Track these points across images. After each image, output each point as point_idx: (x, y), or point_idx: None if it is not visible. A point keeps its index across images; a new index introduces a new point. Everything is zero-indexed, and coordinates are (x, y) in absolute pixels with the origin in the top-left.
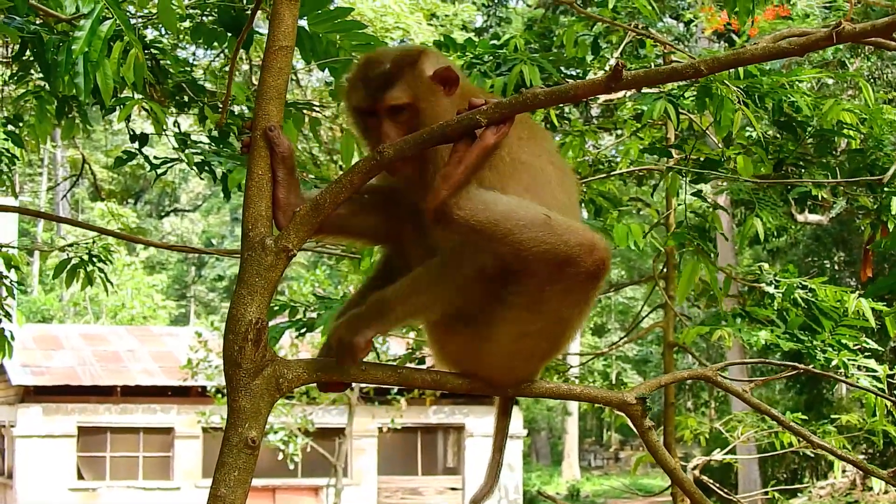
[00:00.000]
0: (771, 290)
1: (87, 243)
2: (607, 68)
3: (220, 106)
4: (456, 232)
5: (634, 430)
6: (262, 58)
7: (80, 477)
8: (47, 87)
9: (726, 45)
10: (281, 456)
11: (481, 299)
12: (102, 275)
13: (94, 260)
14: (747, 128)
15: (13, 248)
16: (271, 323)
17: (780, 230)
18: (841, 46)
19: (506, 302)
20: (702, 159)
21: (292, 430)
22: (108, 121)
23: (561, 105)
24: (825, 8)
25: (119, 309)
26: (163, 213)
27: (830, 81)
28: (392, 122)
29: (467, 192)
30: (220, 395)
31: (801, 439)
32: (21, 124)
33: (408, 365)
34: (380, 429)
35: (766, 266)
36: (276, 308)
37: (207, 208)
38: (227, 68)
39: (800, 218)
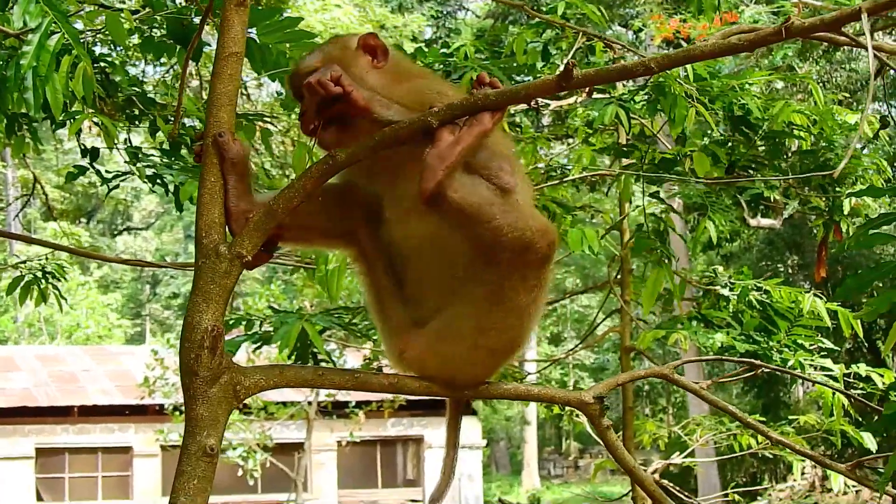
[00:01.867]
0: (726, 292)
1: (40, 260)
2: (557, 74)
3: (172, 118)
4: (444, 214)
5: (593, 430)
6: (213, 65)
7: (39, 499)
8: None
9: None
10: (241, 472)
11: (438, 296)
12: (56, 291)
13: (48, 277)
14: (701, 130)
15: None
16: (227, 337)
17: (733, 234)
18: (790, 52)
19: (464, 297)
20: (657, 161)
21: (251, 446)
22: (58, 139)
23: (512, 112)
24: (773, 14)
25: (74, 329)
26: (116, 232)
27: (780, 86)
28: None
29: (460, 175)
30: (177, 413)
31: (759, 441)
32: None
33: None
34: (339, 442)
35: (720, 269)
36: (232, 322)
37: (161, 226)
38: (178, 83)
39: (752, 222)
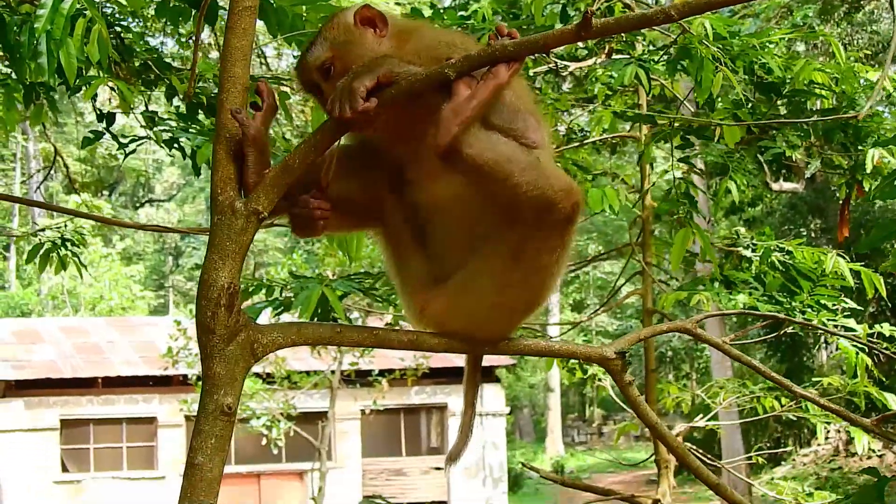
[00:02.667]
0: (748, 253)
1: (58, 228)
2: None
3: (187, 80)
4: (461, 171)
5: (616, 390)
6: (226, 19)
7: (65, 469)
8: (14, 74)
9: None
10: (264, 441)
11: (461, 254)
12: (76, 259)
13: (67, 244)
14: (724, 93)
15: None
16: (247, 303)
17: (755, 199)
18: (811, 13)
19: (486, 253)
20: (685, 128)
21: (275, 415)
22: (79, 112)
23: (532, 75)
24: None
25: (97, 301)
26: (138, 204)
27: (801, 49)
28: (328, 83)
29: (476, 131)
30: (200, 382)
31: (783, 403)
32: None
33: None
34: (362, 411)
35: (742, 230)
36: (252, 289)
37: (183, 197)
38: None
39: (775, 186)
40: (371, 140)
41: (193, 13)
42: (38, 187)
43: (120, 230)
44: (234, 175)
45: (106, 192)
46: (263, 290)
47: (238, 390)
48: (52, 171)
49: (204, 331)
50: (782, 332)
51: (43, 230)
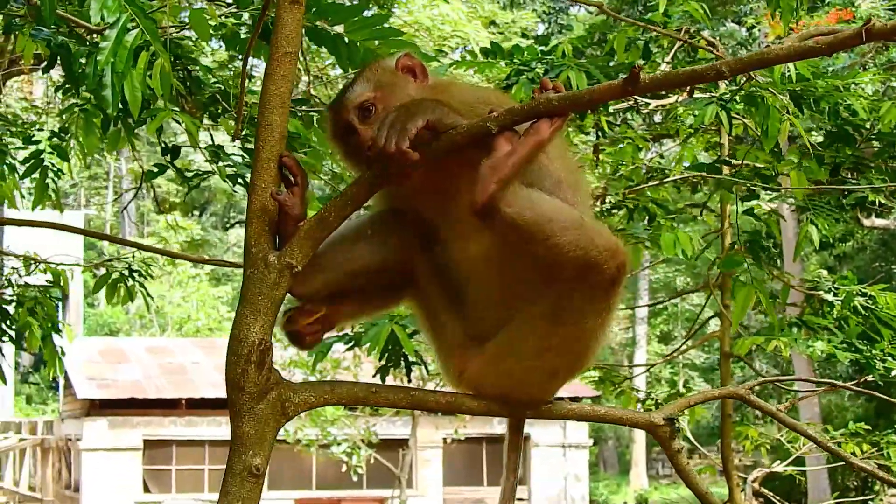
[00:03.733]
0: (830, 297)
1: (126, 258)
2: (658, 73)
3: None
4: (499, 230)
5: (663, 450)
6: (266, 65)
7: (147, 490)
8: (93, 99)
9: None
10: (345, 468)
11: (499, 314)
12: (143, 290)
13: (134, 275)
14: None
15: (53, 263)
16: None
17: (846, 235)
18: None
19: (526, 315)
20: (754, 169)
21: (356, 442)
22: (173, 132)
23: (613, 111)
24: (891, 10)
25: (185, 321)
26: (228, 225)
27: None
28: (365, 124)
29: (515, 189)
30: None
31: (864, 449)
32: (68, 137)
33: (421, 387)
34: (444, 439)
35: (825, 273)
36: None
37: None
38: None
39: (866, 223)
40: (399, 199)
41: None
42: (124, 208)
43: (210, 250)
44: (268, 228)
45: (196, 213)
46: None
47: (268, 451)
48: (143, 191)
49: (233, 388)
50: (863, 379)
51: (111, 260)
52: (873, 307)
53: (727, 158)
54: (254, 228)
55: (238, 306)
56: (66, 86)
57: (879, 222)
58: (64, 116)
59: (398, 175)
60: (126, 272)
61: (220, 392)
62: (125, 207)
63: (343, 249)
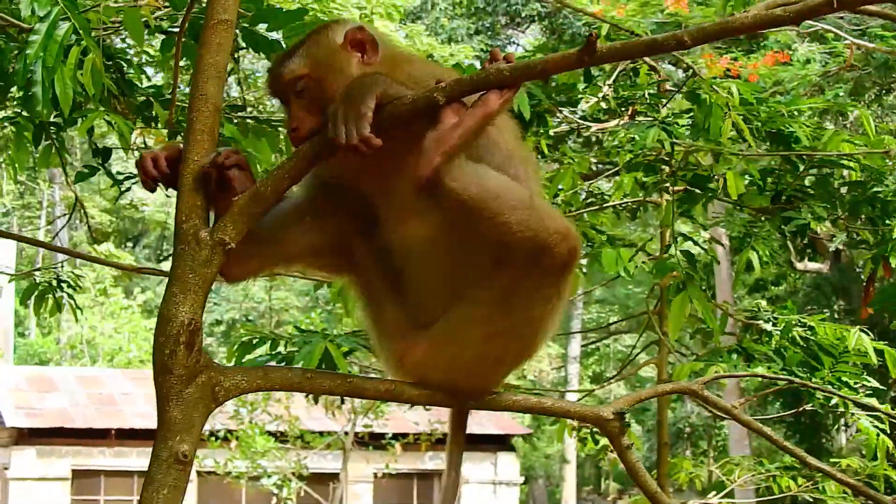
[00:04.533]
0: (769, 327)
1: (55, 268)
2: (599, 97)
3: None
4: (443, 207)
5: (613, 450)
6: (200, 34)
7: None
8: (24, 112)
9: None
10: (275, 501)
11: (442, 299)
12: (72, 301)
13: (63, 286)
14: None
15: None
16: (250, 356)
17: (779, 277)
18: (841, 91)
19: (471, 300)
20: (688, 177)
21: (286, 475)
22: (58, 163)
23: (553, 135)
24: (826, 54)
25: (116, 353)
26: (161, 257)
27: (829, 127)
28: (298, 101)
29: (461, 163)
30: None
31: (799, 483)
32: None
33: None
34: (375, 474)
35: (764, 303)
36: (256, 342)
37: None
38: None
39: (799, 266)
40: (337, 174)
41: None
42: (56, 235)
43: (141, 282)
44: (200, 203)
45: (130, 244)
46: (267, 344)
47: (196, 437)
48: (76, 221)
49: (160, 370)
50: (801, 408)
51: (38, 270)
52: (812, 338)
53: (664, 158)
54: (185, 203)
55: (167, 285)
56: None
57: (812, 266)
58: None
59: (344, 150)
60: (55, 282)
61: (150, 423)
62: (56, 235)
63: (278, 231)
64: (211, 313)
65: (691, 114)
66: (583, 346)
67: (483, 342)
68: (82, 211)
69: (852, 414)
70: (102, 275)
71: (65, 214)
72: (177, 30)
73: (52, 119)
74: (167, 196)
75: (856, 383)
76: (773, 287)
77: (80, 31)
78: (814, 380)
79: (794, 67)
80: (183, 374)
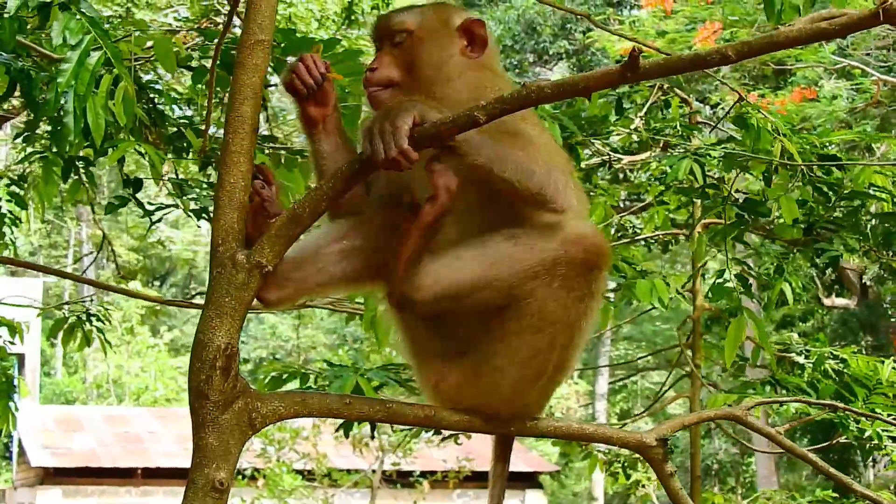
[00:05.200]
0: (801, 360)
1: (83, 301)
2: (631, 129)
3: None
4: (424, 313)
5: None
6: (236, 53)
7: None
8: (54, 147)
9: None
10: None
11: (476, 330)
12: (101, 335)
13: (92, 319)
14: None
15: (5, 304)
16: (282, 389)
17: (806, 314)
18: (869, 127)
19: (505, 324)
20: (740, 202)
21: None
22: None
23: (584, 167)
24: (853, 90)
25: (142, 391)
26: (189, 296)
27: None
28: (391, 50)
29: (422, 270)
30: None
31: None
32: (26, 185)
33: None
34: None
35: (796, 337)
36: (286, 377)
37: None
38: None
39: (826, 302)
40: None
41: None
42: (84, 272)
43: (168, 320)
44: (237, 225)
45: (157, 283)
46: (297, 378)
47: (233, 464)
48: (103, 259)
49: (196, 396)
50: (832, 442)
51: (67, 304)
52: (844, 370)
53: (709, 187)
54: (221, 226)
55: (203, 308)
56: (26, 133)
57: (840, 302)
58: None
59: (383, 165)
60: (84, 316)
61: (177, 462)
62: (84, 272)
63: (316, 255)
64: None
65: (723, 145)
66: (610, 383)
67: (522, 358)
68: (110, 248)
69: (885, 446)
70: (129, 313)
71: (91, 253)
72: (208, 61)
73: (80, 153)
74: (198, 227)
75: (889, 415)
76: (800, 323)
77: (112, 60)
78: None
79: (822, 104)
80: (219, 399)
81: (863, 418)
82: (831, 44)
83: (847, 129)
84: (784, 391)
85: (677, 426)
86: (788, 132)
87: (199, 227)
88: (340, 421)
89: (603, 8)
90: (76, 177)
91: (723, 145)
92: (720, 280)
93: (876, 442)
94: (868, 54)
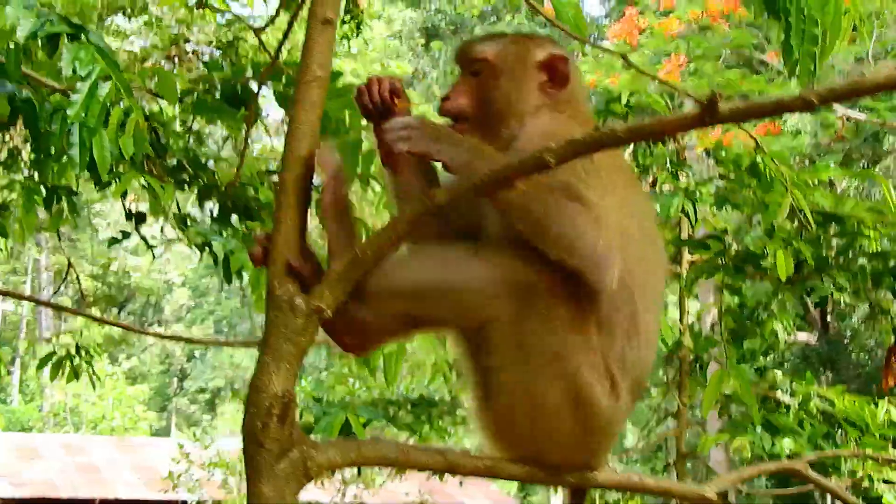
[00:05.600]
0: (787, 399)
1: (74, 335)
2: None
3: (221, 182)
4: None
5: None
6: (294, 90)
7: None
8: (36, 176)
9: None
10: None
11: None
12: (90, 369)
13: (81, 353)
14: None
15: None
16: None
17: (767, 349)
18: (832, 163)
19: (492, 356)
20: (740, 255)
21: None
22: (94, 228)
23: None
24: (818, 125)
25: (99, 420)
26: (148, 324)
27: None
28: (468, 79)
29: (383, 266)
30: None
31: None
32: (6, 213)
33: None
34: None
35: (780, 375)
36: None
37: (192, 319)
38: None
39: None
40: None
41: (234, 112)
42: (50, 299)
43: (127, 349)
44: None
45: (116, 310)
46: None
47: None
48: (62, 286)
49: (252, 443)
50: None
51: (58, 336)
52: (831, 410)
53: (708, 239)
54: (277, 268)
55: (259, 353)
56: (7, 161)
57: (801, 336)
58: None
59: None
60: (73, 350)
61: (135, 492)
62: (50, 299)
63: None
64: (195, 381)
65: (713, 182)
66: None
67: (517, 394)
68: (75, 276)
69: (877, 488)
70: (87, 343)
71: (55, 281)
72: (209, 92)
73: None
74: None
75: (880, 457)
76: (762, 357)
77: (123, 92)
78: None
79: (786, 139)
80: (275, 448)
81: (853, 459)
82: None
83: (811, 166)
84: (776, 432)
85: (736, 480)
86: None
87: (154, 256)
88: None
89: (568, 40)
90: (58, 205)
91: (713, 181)
92: (708, 333)
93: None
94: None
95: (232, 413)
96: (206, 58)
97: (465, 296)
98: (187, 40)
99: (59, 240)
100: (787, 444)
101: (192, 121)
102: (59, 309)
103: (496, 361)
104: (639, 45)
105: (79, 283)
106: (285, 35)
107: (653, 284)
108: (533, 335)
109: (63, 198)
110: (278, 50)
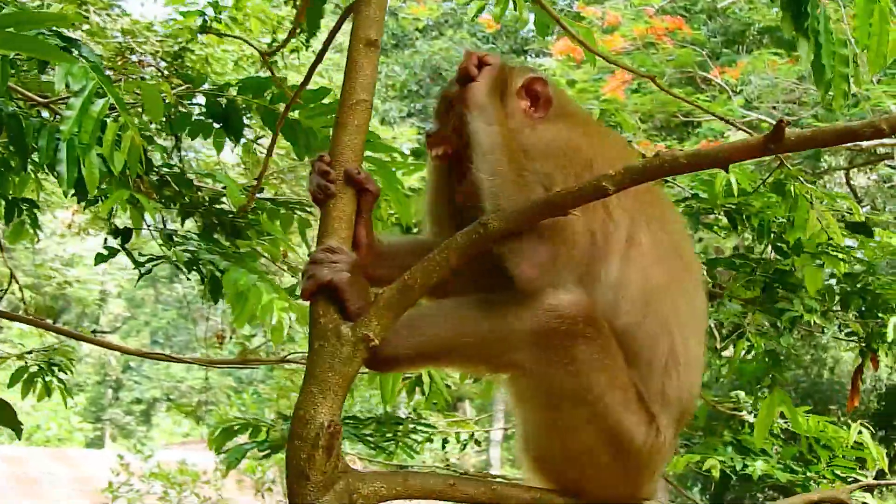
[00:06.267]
0: (751, 419)
1: (46, 351)
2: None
3: (208, 200)
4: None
5: None
6: (336, 113)
7: None
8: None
9: None
10: None
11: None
12: (62, 385)
13: (54, 369)
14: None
15: None
16: (230, 444)
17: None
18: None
19: (518, 400)
20: (771, 272)
21: None
22: (32, 238)
23: None
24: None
25: (35, 430)
26: (94, 333)
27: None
28: (448, 113)
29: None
30: None
31: None
32: None
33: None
34: None
35: (743, 394)
36: (237, 428)
37: (127, 330)
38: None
39: (725, 353)
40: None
41: (217, 128)
42: None
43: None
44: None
45: (50, 321)
46: (248, 430)
47: None
48: (5, 294)
49: (297, 475)
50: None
51: (30, 352)
52: (793, 429)
53: (740, 256)
54: (322, 297)
55: (303, 383)
56: None
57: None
58: None
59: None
60: (45, 366)
61: None
62: None
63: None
64: (131, 391)
65: (687, 202)
66: None
67: (550, 434)
68: (17, 286)
69: None
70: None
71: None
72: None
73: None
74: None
75: (849, 478)
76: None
77: (118, 107)
78: (809, 473)
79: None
80: (321, 480)
81: (823, 480)
82: (739, 97)
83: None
84: (748, 453)
85: None
86: (728, 218)
87: (86, 265)
88: (244, 463)
89: (510, 56)
90: (19, 218)
91: (687, 202)
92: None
93: None
94: (775, 107)
95: (168, 425)
96: (151, 69)
97: (483, 351)
98: (133, 51)
99: (1, 249)
100: (760, 465)
101: (179, 140)
102: (9, 318)
103: (528, 406)
104: (582, 60)
105: (22, 292)
106: (318, 58)
107: (692, 308)
108: (557, 380)
109: (24, 211)
110: (310, 71)
